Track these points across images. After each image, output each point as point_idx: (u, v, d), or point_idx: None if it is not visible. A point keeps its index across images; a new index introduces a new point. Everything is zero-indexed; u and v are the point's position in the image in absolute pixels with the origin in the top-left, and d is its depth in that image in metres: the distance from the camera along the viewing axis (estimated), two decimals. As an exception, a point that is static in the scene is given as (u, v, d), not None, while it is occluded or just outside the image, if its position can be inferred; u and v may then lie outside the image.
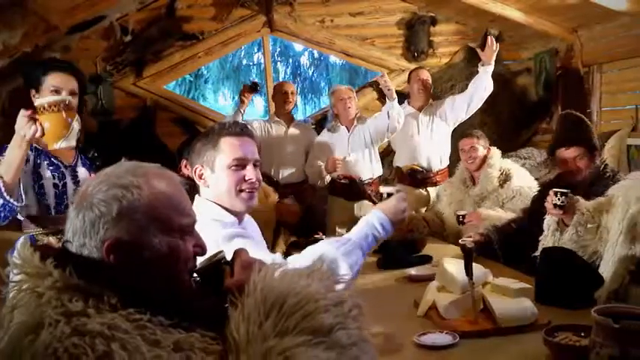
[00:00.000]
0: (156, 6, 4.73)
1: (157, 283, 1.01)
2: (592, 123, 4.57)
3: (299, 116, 6.88)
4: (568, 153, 2.70)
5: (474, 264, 1.97)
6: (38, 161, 2.33)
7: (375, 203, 4.01)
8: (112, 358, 0.84)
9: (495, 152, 3.51)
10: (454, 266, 1.92)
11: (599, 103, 4.58)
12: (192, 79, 8.34)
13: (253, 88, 4.06)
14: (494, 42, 3.92)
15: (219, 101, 8.72)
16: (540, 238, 2.44)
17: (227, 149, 1.73)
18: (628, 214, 2.12)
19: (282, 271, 1.04)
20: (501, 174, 3.38)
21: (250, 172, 1.77)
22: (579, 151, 2.67)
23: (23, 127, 1.97)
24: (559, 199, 2.23)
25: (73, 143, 2.14)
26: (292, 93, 4.27)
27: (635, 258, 2.09)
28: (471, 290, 1.82)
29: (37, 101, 2.04)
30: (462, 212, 3.20)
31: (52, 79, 2.34)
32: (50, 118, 2.01)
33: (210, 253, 1.56)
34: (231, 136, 1.75)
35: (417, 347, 1.73)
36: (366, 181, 4.04)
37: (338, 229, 4.01)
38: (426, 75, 4.24)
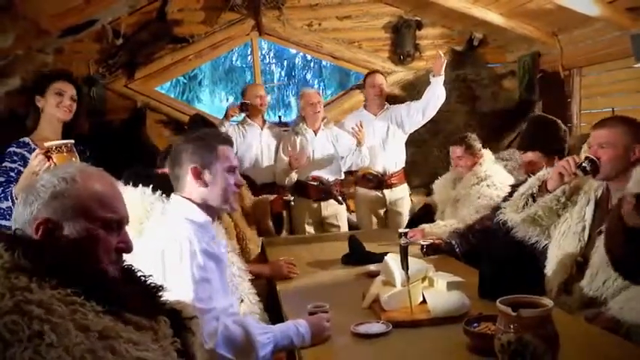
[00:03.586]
0: (147, 10, 4.87)
1: (82, 265, 1.16)
2: (572, 125, 4.69)
3: (292, 117, 7.01)
4: (525, 157, 2.83)
5: (416, 259, 2.10)
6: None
7: (340, 204, 4.18)
8: (42, 338, 0.98)
9: (487, 158, 3.50)
10: (395, 262, 2.03)
11: (579, 105, 4.68)
12: (186, 81, 8.50)
13: (242, 108, 4.23)
14: (442, 56, 4.12)
15: (215, 102, 8.86)
16: (507, 200, 2.48)
17: (224, 156, 1.93)
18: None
19: None
20: (479, 179, 3.35)
21: (238, 177, 2.00)
22: (535, 156, 2.79)
23: (39, 163, 2.17)
24: (588, 164, 2.10)
25: None
26: (263, 96, 4.39)
27: (582, 250, 2.19)
28: (407, 284, 1.94)
29: (47, 143, 2.26)
30: (425, 242, 2.96)
31: (56, 84, 2.75)
32: (57, 157, 2.25)
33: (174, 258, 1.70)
34: (226, 145, 1.96)
35: (352, 336, 1.85)
36: (332, 182, 4.17)
37: (307, 228, 4.19)
38: (380, 80, 4.35)
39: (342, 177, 4.37)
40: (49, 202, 1.16)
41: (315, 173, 4.19)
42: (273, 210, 3.50)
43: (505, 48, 5.33)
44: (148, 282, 1.33)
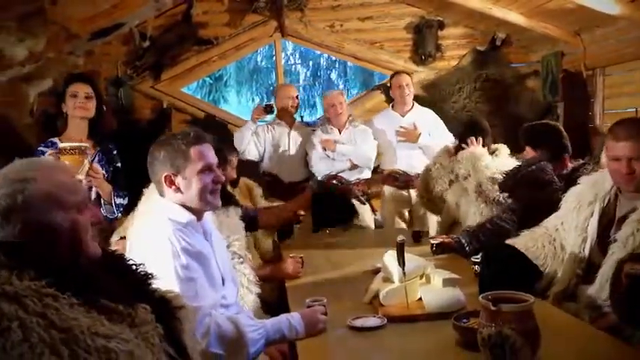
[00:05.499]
0: (173, 13, 5.02)
1: (65, 253, 1.24)
2: (595, 125, 4.64)
3: (316, 117, 7.09)
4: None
5: (414, 256, 2.15)
6: None
7: (363, 204, 4.22)
8: (10, 334, 1.05)
9: (503, 152, 3.44)
10: (394, 259, 2.08)
11: (602, 105, 4.62)
12: (212, 82, 8.66)
13: (267, 110, 4.32)
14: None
15: (242, 102, 9.01)
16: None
17: (196, 157, 1.90)
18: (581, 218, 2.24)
19: None
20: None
21: (216, 174, 1.96)
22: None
23: None
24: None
25: (82, 177, 2.54)
26: (297, 97, 4.49)
27: (584, 260, 2.20)
28: (403, 280, 1.99)
29: (61, 145, 2.50)
30: (435, 241, 2.98)
31: (71, 87, 2.96)
32: (70, 158, 2.47)
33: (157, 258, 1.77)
34: (197, 144, 1.91)
35: (348, 329, 1.91)
36: (353, 182, 4.21)
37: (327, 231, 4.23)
38: (405, 80, 4.39)
39: (367, 176, 4.38)
40: (22, 209, 1.19)
41: (337, 172, 4.21)
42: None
43: (528, 48, 5.30)
44: (138, 270, 1.40)
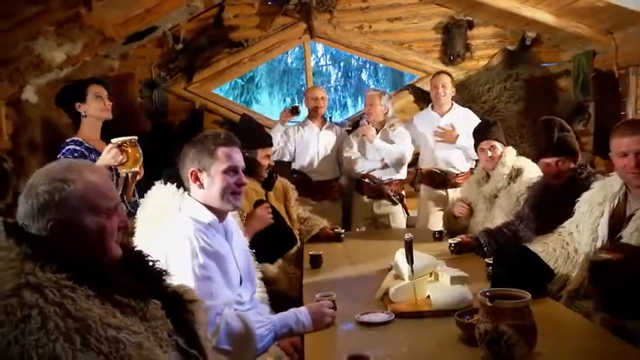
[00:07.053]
0: (205, 16, 5.14)
1: (88, 254, 1.33)
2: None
3: (346, 117, 7.13)
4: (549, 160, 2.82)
5: (423, 255, 2.18)
6: (92, 157, 2.81)
7: (394, 203, 4.23)
8: (29, 321, 1.15)
9: (509, 151, 3.49)
10: (404, 257, 2.12)
11: (635, 105, 4.52)
12: (244, 83, 8.78)
13: (294, 111, 4.41)
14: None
15: (274, 103, 9.12)
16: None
17: (223, 157, 2.02)
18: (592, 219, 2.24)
19: None
20: (512, 169, 3.36)
21: (241, 177, 2.06)
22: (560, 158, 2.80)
23: (114, 156, 2.47)
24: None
25: (137, 168, 2.64)
26: (323, 98, 4.53)
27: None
28: (412, 277, 2.02)
29: (115, 140, 2.54)
30: (454, 241, 3.02)
31: (93, 89, 3.02)
32: (134, 151, 2.54)
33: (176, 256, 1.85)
34: (225, 146, 2.03)
35: (356, 324, 1.97)
36: (386, 182, 4.24)
37: (357, 229, 4.28)
38: (442, 81, 4.38)
39: (402, 177, 4.38)
40: (58, 206, 1.29)
41: (368, 171, 4.27)
42: (319, 237, 3.57)
43: (559, 47, 5.22)
44: (155, 266, 1.49)
